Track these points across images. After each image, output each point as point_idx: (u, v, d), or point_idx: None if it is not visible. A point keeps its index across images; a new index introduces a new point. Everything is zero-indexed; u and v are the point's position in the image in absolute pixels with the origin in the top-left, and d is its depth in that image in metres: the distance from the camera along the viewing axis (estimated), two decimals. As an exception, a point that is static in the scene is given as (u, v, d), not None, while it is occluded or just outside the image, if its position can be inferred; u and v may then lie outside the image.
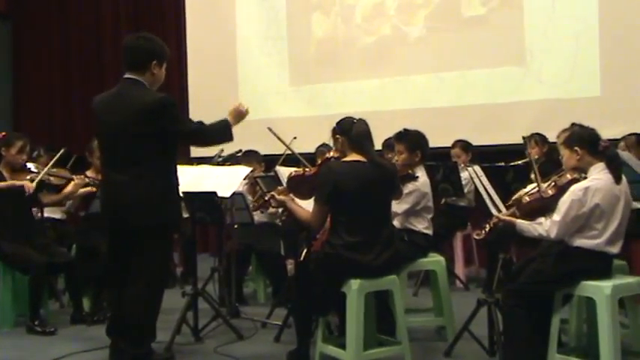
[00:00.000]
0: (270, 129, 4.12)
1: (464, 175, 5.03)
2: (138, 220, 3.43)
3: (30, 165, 4.62)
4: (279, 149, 5.95)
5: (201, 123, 3.56)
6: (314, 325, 3.46)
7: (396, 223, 3.68)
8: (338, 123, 3.40)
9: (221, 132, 3.57)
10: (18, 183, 4.34)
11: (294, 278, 3.63)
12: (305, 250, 3.70)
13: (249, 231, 4.94)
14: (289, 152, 4.28)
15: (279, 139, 4.09)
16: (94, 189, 4.65)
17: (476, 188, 3.69)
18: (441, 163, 5.03)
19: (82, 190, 4.72)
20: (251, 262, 5.26)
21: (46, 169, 4.53)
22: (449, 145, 5.67)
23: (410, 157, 3.91)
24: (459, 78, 6.40)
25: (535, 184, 3.32)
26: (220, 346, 3.81)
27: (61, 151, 4.73)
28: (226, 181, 4.00)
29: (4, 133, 4.60)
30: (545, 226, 3.07)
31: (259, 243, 4.95)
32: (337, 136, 3.38)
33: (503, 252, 3.67)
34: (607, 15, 5.81)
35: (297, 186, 3.51)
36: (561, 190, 3.17)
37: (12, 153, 4.46)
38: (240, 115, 3.65)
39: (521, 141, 5.20)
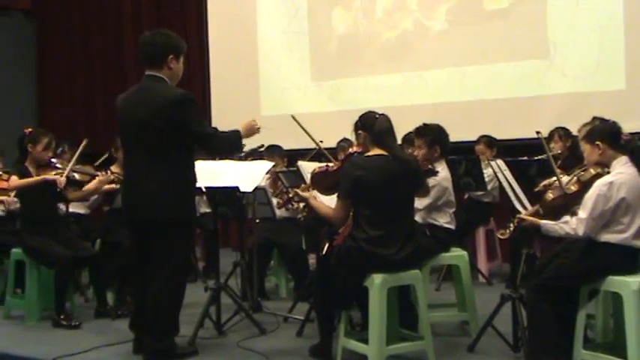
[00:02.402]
0: (293, 117, 4.14)
1: (488, 171, 4.98)
2: (155, 214, 3.47)
3: (54, 161, 4.68)
4: (301, 144, 5.97)
5: (215, 129, 3.58)
6: (336, 319, 3.46)
7: (417, 218, 3.67)
8: (360, 118, 3.39)
9: (232, 141, 3.59)
10: (50, 177, 4.38)
11: (316, 273, 3.63)
12: (327, 245, 3.71)
13: (270, 226, 4.96)
14: (316, 147, 4.29)
15: (302, 128, 4.10)
16: (117, 185, 4.69)
17: (500, 184, 3.65)
18: (463, 157, 5.00)
19: (106, 187, 4.77)
20: (273, 257, 5.28)
21: (70, 164, 4.57)
22: (472, 139, 5.63)
23: (429, 152, 3.91)
24: (482, 72, 6.35)
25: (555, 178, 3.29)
26: (243, 341, 3.82)
27: (84, 142, 4.70)
28: (248, 176, 4.01)
29: (30, 130, 4.65)
30: (571, 225, 3.03)
31: (281, 237, 4.96)
32: (359, 131, 3.37)
33: (527, 247, 3.63)
34: (632, 6, 5.72)
35: (321, 181, 3.51)
36: (585, 185, 3.14)
37: (38, 149, 4.50)
38: (251, 130, 3.67)
39: (544, 135, 5.19)
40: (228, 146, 3.62)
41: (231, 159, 4.29)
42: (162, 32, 3.61)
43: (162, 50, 3.51)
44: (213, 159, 4.23)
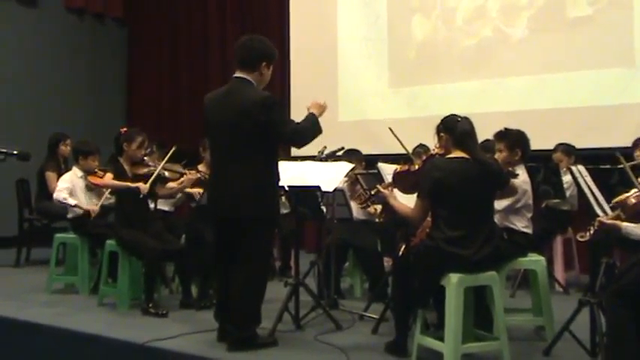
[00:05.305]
0: (390, 129, 4.26)
1: (566, 178, 4.94)
2: (242, 212, 3.63)
3: (147, 159, 4.98)
4: (378, 150, 6.08)
5: (297, 123, 3.72)
6: (411, 318, 3.54)
7: (495, 221, 3.70)
8: (442, 121, 3.48)
9: (314, 128, 3.71)
10: (133, 185, 4.69)
11: (394, 272, 3.72)
12: (404, 246, 3.80)
13: (347, 227, 5.07)
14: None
15: (397, 139, 4.21)
16: (201, 189, 4.95)
17: (579, 191, 3.64)
18: (542, 165, 4.97)
19: (191, 189, 5.05)
20: (348, 258, 5.39)
21: (162, 163, 4.86)
22: (551, 147, 5.58)
23: (510, 156, 3.93)
24: (563, 80, 6.28)
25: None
26: (320, 335, 3.94)
27: (173, 148, 5.04)
28: (329, 176, 4.13)
29: (125, 129, 4.96)
30: (654, 229, 3.02)
31: (357, 239, 5.05)
32: (441, 133, 3.46)
33: (607, 256, 3.60)
34: None
35: (403, 180, 3.61)
36: (671, 191, 3.11)
37: (133, 148, 4.80)
38: (322, 108, 3.80)
39: (628, 144, 5.11)
40: (313, 133, 3.73)
41: (312, 159, 4.44)
42: (260, 38, 3.81)
43: (258, 55, 3.70)
44: (294, 159, 4.39)
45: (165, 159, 4.95)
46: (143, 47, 9.70)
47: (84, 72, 9.12)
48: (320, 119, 3.77)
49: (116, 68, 9.68)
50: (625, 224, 3.13)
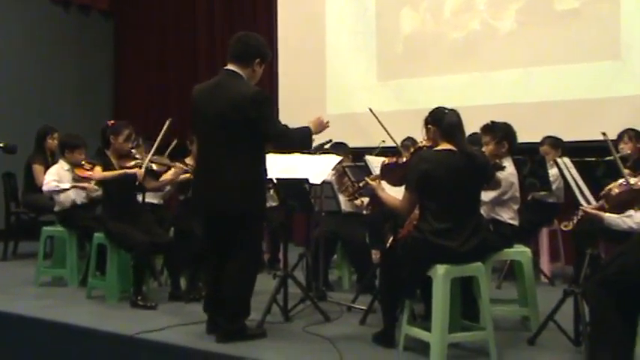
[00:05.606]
0: (370, 110, 4.26)
1: (552, 171, 4.99)
2: (230, 207, 3.64)
3: (134, 152, 4.97)
4: (365, 143, 6.10)
5: (285, 126, 3.72)
6: (399, 310, 3.57)
7: (482, 212, 3.74)
8: (430, 113, 3.50)
9: (302, 139, 3.72)
10: (130, 171, 4.67)
11: (381, 264, 3.75)
12: (391, 238, 3.83)
13: (335, 219, 5.11)
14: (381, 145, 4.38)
15: (379, 121, 4.22)
16: (191, 176, 4.93)
17: (565, 183, 3.68)
18: (528, 157, 5.01)
19: (181, 177, 5.03)
20: (336, 251, 5.42)
21: (149, 156, 4.85)
22: (538, 140, 5.62)
23: (497, 148, 3.97)
24: (550, 73, 6.32)
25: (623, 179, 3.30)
26: (308, 326, 3.97)
27: (169, 120, 4.90)
28: (318, 168, 4.14)
29: (112, 122, 4.95)
30: (635, 219, 3.06)
31: (345, 231, 5.09)
32: (429, 125, 3.48)
33: (591, 247, 3.65)
34: None
35: (390, 173, 3.63)
36: (653, 182, 3.14)
37: (119, 141, 4.79)
38: (321, 126, 3.81)
39: (613, 137, 5.15)
40: (300, 143, 3.77)
41: (300, 152, 4.45)
42: (256, 35, 3.81)
43: (254, 51, 3.70)
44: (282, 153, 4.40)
45: (162, 132, 4.86)
46: (130, 40, 9.65)
47: (70, 65, 9.07)
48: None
49: (103, 61, 9.64)
50: (607, 215, 3.18)
